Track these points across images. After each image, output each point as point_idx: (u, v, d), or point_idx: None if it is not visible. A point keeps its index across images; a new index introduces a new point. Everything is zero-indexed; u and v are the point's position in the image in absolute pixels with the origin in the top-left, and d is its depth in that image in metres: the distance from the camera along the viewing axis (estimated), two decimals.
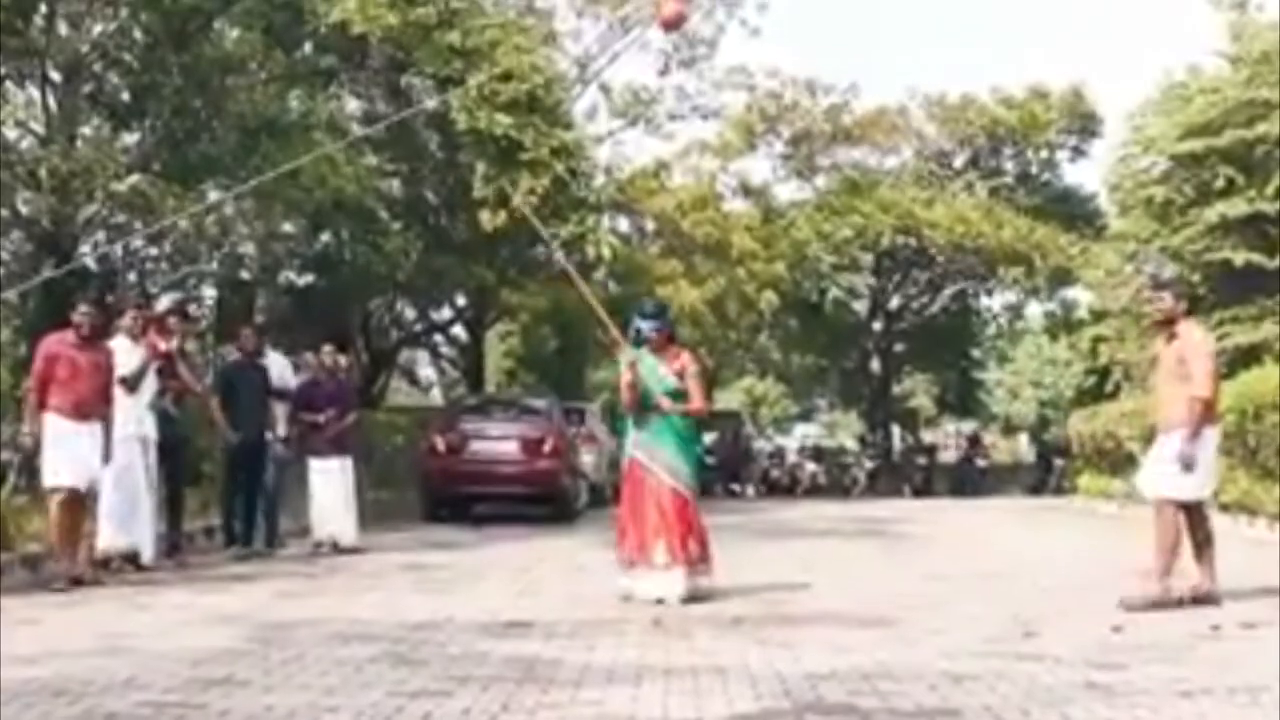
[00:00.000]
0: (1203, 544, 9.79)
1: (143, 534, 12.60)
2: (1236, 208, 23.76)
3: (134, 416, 12.54)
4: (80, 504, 11.45)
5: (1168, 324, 9.98)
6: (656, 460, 10.23)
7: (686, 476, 10.33)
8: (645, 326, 10.61)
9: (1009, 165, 44.11)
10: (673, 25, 14.04)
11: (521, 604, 10.16)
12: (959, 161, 44.14)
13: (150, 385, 12.82)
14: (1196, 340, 9.93)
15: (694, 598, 9.97)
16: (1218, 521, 10.19)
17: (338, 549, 14.74)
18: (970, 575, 12.56)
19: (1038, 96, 41.97)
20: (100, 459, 11.55)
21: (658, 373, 10.42)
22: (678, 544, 10.09)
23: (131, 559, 12.48)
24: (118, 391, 12.40)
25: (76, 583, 11.08)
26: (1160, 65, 26.46)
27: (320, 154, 17.15)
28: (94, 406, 11.49)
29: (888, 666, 7.19)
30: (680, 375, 10.48)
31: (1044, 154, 43.59)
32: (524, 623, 8.92)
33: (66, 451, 11.25)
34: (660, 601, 9.84)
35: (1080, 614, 9.35)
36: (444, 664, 7.34)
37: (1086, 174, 42.65)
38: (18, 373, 17.82)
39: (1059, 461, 33.88)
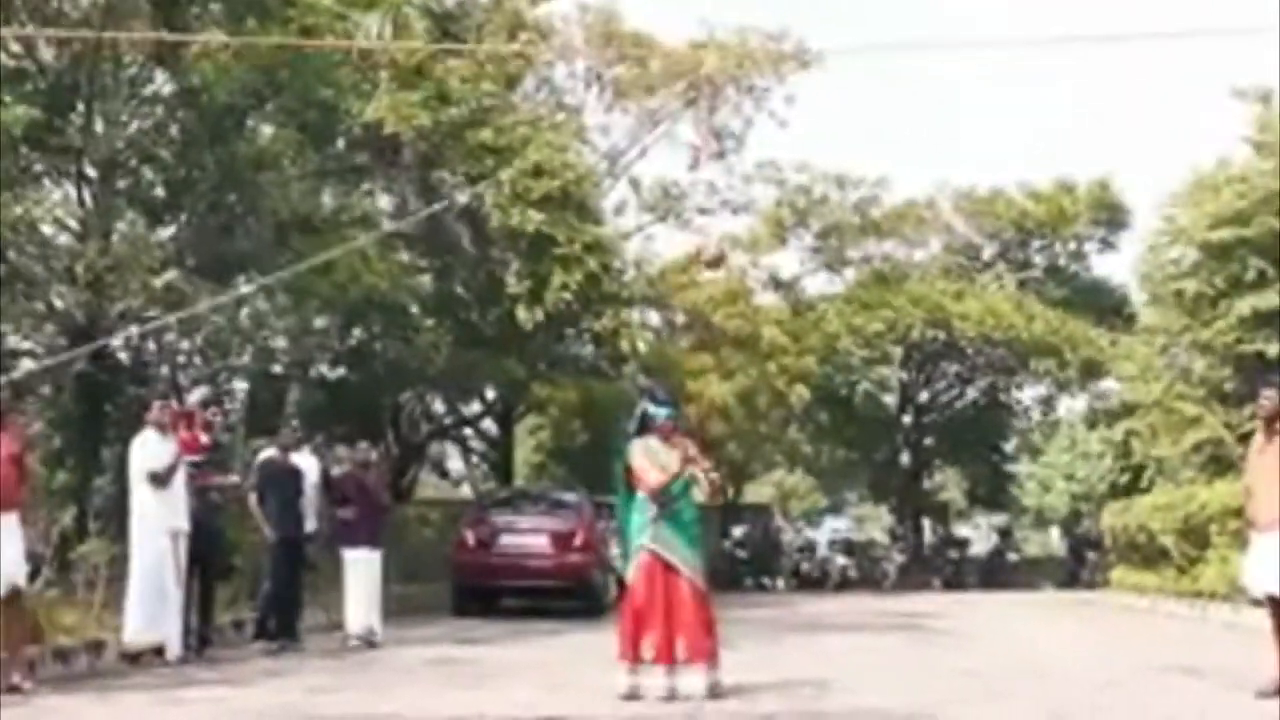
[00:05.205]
0: None
1: (170, 628, 12.60)
2: (1268, 300, 23.66)
3: (165, 510, 12.62)
4: (12, 606, 10.42)
5: (1272, 420, 10.07)
6: (673, 553, 10.01)
7: (701, 570, 10.15)
8: (662, 414, 10.43)
9: (1037, 258, 44.20)
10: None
11: (553, 699, 10.05)
12: (988, 254, 44.25)
13: (181, 479, 12.87)
14: None
15: (716, 694, 9.74)
16: (1252, 613, 10.19)
17: (369, 644, 14.69)
18: (1004, 670, 12.45)
19: (1064, 189, 42.17)
20: (19, 553, 10.54)
21: (668, 461, 10.22)
22: (696, 639, 9.85)
23: (159, 652, 12.48)
24: (146, 486, 12.51)
25: (14, 690, 9.98)
26: (1188, 157, 26.34)
27: (351, 248, 17.26)
28: (8, 498, 10.49)
29: None
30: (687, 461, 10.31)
31: (1072, 246, 43.72)
32: (556, 718, 8.88)
33: None
34: (681, 698, 9.60)
35: (1115, 709, 9.27)
36: None
37: (1115, 266, 42.64)
38: (51, 465, 17.96)
39: (1091, 555, 33.58)
